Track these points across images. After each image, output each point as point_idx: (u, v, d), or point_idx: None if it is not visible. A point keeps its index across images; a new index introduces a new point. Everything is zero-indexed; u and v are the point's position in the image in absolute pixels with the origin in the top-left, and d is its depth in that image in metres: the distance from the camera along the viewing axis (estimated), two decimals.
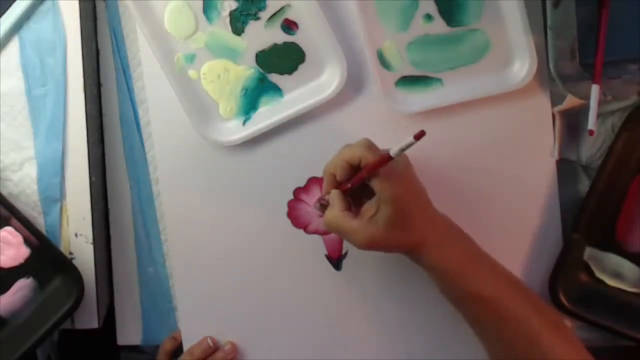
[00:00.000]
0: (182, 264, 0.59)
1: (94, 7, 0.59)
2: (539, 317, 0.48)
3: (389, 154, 0.45)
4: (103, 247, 0.60)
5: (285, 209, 0.58)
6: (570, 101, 0.54)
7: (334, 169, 0.50)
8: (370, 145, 0.48)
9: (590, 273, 0.56)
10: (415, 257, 0.50)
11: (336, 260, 0.58)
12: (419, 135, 0.42)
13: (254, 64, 0.55)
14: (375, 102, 0.56)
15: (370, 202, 0.48)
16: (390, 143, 0.56)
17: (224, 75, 0.55)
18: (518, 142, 0.56)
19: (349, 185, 0.49)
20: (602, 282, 0.56)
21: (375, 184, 0.47)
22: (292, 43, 0.55)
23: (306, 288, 0.58)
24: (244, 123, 0.56)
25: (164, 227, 0.60)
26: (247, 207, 0.58)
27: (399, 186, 0.47)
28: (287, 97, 0.56)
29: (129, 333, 0.62)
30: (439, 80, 0.55)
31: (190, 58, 0.55)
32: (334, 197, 0.50)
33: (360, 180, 0.48)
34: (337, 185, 0.50)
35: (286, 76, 0.55)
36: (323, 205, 0.52)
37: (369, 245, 0.48)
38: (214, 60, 0.55)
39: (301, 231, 0.58)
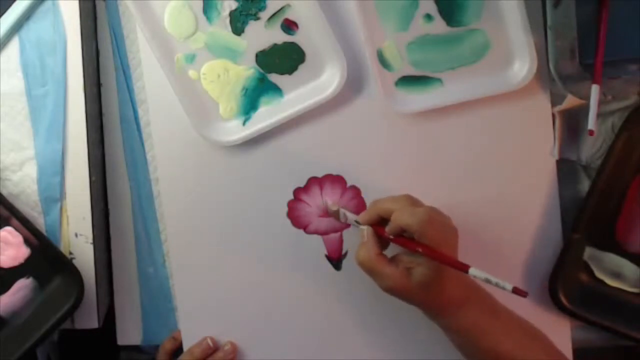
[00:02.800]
0: (182, 264, 0.59)
1: (94, 7, 0.59)
2: None
3: (467, 267, 0.45)
4: (103, 247, 0.60)
5: (285, 209, 0.58)
6: (570, 101, 0.54)
7: (384, 212, 0.49)
8: (431, 220, 0.47)
9: (590, 273, 0.56)
10: (434, 317, 0.49)
11: (336, 260, 0.58)
12: (517, 292, 0.43)
13: (254, 64, 0.55)
14: (375, 102, 0.56)
15: (410, 255, 0.48)
16: (390, 143, 0.56)
17: (224, 75, 0.55)
18: (518, 142, 0.56)
19: (392, 238, 0.49)
20: (602, 282, 0.56)
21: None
22: (292, 43, 0.55)
23: (306, 288, 0.58)
24: (244, 123, 0.56)
25: (164, 227, 0.60)
26: (247, 207, 0.58)
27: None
28: (287, 97, 0.56)
29: (129, 333, 0.62)
30: (439, 80, 0.55)
31: (190, 58, 0.55)
32: (371, 235, 0.50)
33: (407, 246, 0.48)
34: (378, 224, 0.50)
35: (286, 76, 0.55)
36: (340, 217, 0.54)
37: (393, 293, 0.49)
38: (214, 60, 0.55)
39: (301, 231, 0.58)
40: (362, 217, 0.52)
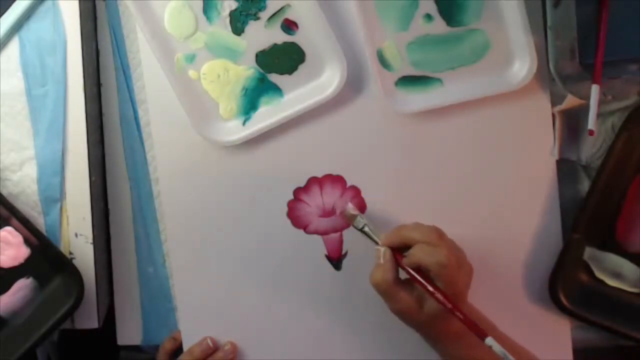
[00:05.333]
0: (182, 264, 0.59)
1: (94, 7, 0.59)
2: None
3: (485, 334, 0.45)
4: (103, 247, 0.60)
5: (285, 209, 0.58)
6: (570, 101, 0.54)
7: (408, 240, 0.49)
8: (449, 264, 0.47)
9: (590, 273, 0.56)
10: (433, 344, 0.49)
11: (336, 260, 0.58)
12: None
13: (254, 64, 0.55)
14: (375, 102, 0.56)
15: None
16: (390, 143, 0.56)
17: (224, 75, 0.55)
18: (518, 142, 0.56)
19: (410, 272, 0.48)
20: (602, 282, 0.56)
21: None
22: (292, 43, 0.55)
23: (306, 288, 0.58)
24: (244, 123, 0.56)
25: (164, 227, 0.60)
26: (247, 207, 0.58)
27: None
28: (287, 97, 0.56)
29: (129, 333, 0.62)
30: (439, 80, 0.55)
31: (190, 58, 0.55)
32: (389, 259, 0.49)
33: (423, 288, 0.47)
34: (398, 248, 0.50)
35: (286, 76, 0.55)
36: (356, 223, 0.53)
37: (402, 317, 0.49)
38: (214, 60, 0.55)
39: (301, 231, 0.58)
40: (385, 238, 0.50)
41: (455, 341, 0.49)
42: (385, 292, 0.48)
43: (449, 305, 0.46)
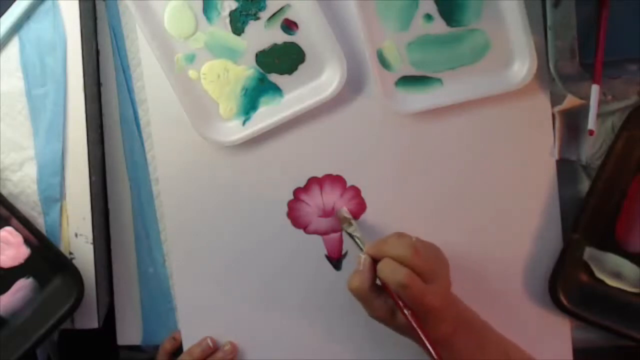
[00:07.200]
0: (182, 264, 0.59)
1: (94, 7, 0.59)
2: None
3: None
4: (103, 247, 0.61)
5: (285, 209, 0.58)
6: (570, 101, 0.54)
7: (384, 253, 0.48)
8: (417, 251, 0.47)
9: (590, 273, 0.56)
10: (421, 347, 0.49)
11: (336, 260, 0.58)
12: None
13: (254, 64, 0.55)
14: (375, 102, 0.56)
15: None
16: (390, 143, 0.56)
17: (224, 75, 0.55)
18: (518, 142, 0.56)
19: (381, 281, 0.48)
20: (602, 282, 0.56)
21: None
22: (292, 43, 0.55)
23: (306, 288, 0.58)
24: (243, 123, 0.56)
25: (164, 227, 0.60)
26: (247, 207, 0.58)
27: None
28: (287, 97, 0.56)
29: (129, 333, 0.62)
30: (438, 80, 0.55)
31: (190, 58, 0.55)
32: (368, 267, 0.49)
33: (394, 300, 0.47)
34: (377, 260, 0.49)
35: (286, 76, 0.55)
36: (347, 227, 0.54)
37: (378, 320, 0.49)
38: (214, 60, 0.55)
39: (301, 231, 0.58)
40: (368, 247, 0.50)
41: (439, 345, 0.47)
42: (361, 298, 0.49)
43: (412, 323, 0.46)
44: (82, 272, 0.56)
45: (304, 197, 0.57)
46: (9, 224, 0.57)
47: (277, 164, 0.57)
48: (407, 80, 0.55)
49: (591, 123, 0.49)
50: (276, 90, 0.56)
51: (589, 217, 0.55)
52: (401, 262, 0.47)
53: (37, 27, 0.57)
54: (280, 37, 0.55)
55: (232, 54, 0.55)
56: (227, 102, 0.56)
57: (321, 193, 0.57)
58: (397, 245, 0.48)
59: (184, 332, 0.59)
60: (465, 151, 0.56)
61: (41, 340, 0.55)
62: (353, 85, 0.55)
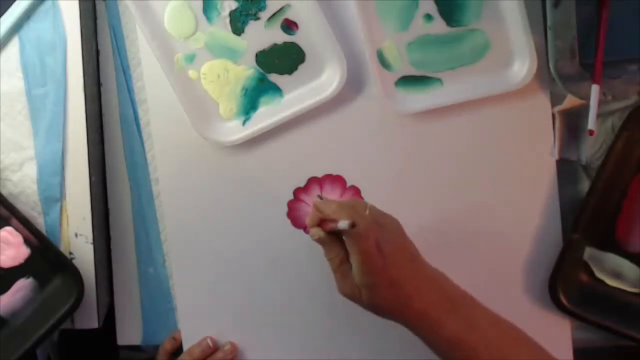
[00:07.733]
0: (182, 264, 0.59)
1: (94, 7, 0.59)
2: None
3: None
4: (103, 247, 0.60)
5: (285, 209, 0.58)
6: (570, 101, 0.54)
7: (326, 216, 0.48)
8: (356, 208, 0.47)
9: (590, 273, 0.56)
10: (412, 330, 0.48)
11: None
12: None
13: (254, 64, 0.55)
14: (375, 102, 0.56)
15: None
16: (390, 143, 0.56)
17: (224, 75, 0.55)
18: (518, 142, 0.56)
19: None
20: (602, 282, 0.56)
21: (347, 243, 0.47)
22: (292, 43, 0.55)
23: (306, 288, 0.58)
24: (243, 123, 0.56)
25: (164, 227, 0.60)
26: (247, 207, 0.58)
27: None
28: (287, 97, 0.56)
29: (129, 333, 0.62)
30: (438, 80, 0.55)
31: (190, 58, 0.55)
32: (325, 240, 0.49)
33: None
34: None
35: (286, 76, 0.55)
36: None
37: (349, 299, 0.48)
38: (214, 60, 0.55)
39: (301, 231, 0.58)
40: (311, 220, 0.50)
41: (428, 325, 0.46)
42: (334, 269, 0.49)
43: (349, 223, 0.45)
44: (82, 272, 0.56)
45: (304, 197, 0.57)
46: (9, 224, 0.57)
47: (277, 164, 0.57)
48: (407, 80, 0.55)
49: (591, 123, 0.49)
50: (276, 90, 0.56)
51: (589, 217, 0.55)
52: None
53: (37, 27, 0.57)
54: (280, 37, 0.55)
55: (232, 54, 0.55)
56: (227, 102, 0.56)
57: (321, 193, 0.57)
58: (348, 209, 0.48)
59: (184, 332, 0.59)
60: (465, 151, 0.56)
61: (41, 340, 0.55)
62: (353, 85, 0.55)
